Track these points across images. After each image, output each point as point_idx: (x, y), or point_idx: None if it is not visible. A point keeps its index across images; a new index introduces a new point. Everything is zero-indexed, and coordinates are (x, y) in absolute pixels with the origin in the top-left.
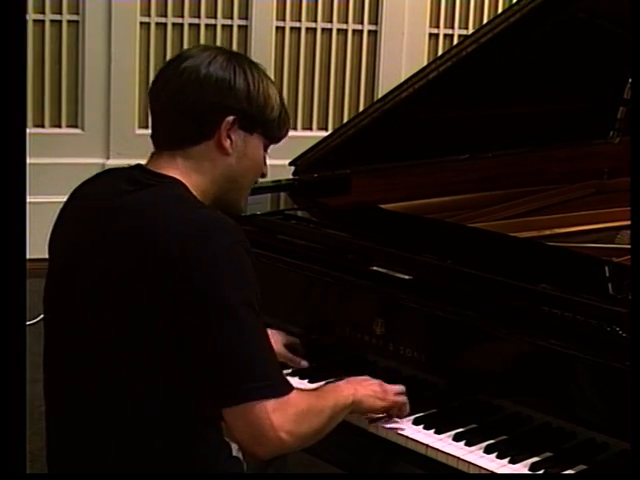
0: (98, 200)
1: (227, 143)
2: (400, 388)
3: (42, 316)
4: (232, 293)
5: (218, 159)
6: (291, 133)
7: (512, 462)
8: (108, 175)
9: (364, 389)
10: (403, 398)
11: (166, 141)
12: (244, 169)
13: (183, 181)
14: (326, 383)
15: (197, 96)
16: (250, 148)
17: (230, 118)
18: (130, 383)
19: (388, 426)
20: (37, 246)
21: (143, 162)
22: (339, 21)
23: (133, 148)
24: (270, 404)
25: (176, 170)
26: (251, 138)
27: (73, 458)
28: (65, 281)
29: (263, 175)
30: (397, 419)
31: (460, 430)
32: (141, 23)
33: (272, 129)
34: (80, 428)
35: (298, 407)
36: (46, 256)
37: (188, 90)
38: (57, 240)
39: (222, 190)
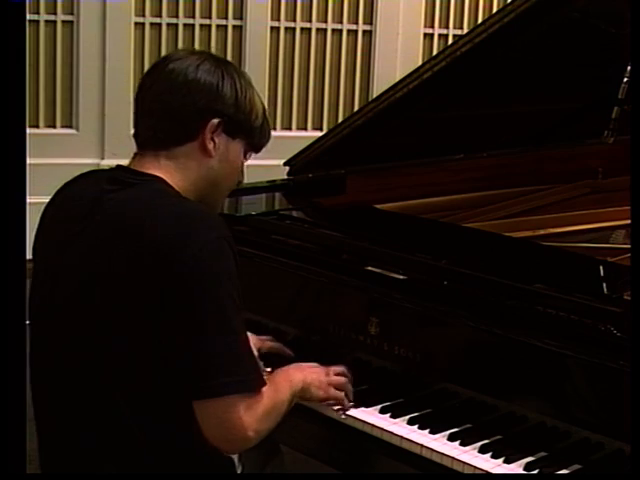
0: (79, 201)
1: (210, 145)
2: (342, 380)
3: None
4: (217, 288)
5: (200, 160)
6: (286, 133)
7: (507, 462)
8: (88, 177)
9: (311, 376)
10: (341, 394)
11: (150, 141)
12: (224, 173)
13: (164, 178)
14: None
15: (184, 98)
16: (232, 153)
17: (215, 121)
18: (118, 377)
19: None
20: None
21: None
22: (334, 21)
23: (128, 148)
24: (243, 403)
25: (158, 169)
26: (233, 143)
27: (67, 458)
28: (50, 282)
29: (239, 182)
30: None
31: (455, 430)
32: (135, 23)
33: (254, 136)
34: (72, 426)
35: (265, 406)
36: None
37: (175, 92)
38: (40, 243)
39: (201, 192)
